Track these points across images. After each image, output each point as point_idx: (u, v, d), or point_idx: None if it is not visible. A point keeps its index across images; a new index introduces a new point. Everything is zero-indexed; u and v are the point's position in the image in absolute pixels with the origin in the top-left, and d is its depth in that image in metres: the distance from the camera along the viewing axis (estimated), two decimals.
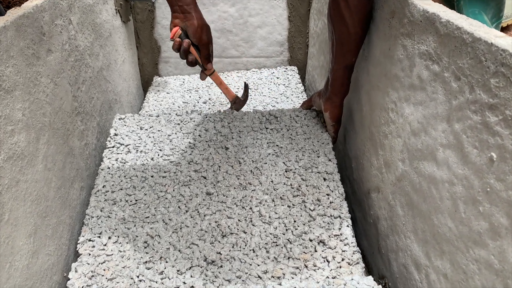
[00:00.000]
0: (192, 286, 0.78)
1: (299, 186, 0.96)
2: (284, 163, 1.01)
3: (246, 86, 1.21)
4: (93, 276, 0.81)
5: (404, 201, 0.75)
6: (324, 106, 1.01)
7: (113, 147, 1.05)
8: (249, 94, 1.22)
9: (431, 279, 0.65)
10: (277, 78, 1.61)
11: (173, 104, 1.48)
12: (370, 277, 0.74)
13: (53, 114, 0.79)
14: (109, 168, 1.00)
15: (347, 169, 1.11)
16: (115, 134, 1.08)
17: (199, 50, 0.99)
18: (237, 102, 1.21)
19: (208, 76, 1.09)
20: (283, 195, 0.94)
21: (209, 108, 1.43)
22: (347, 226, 0.87)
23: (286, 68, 1.68)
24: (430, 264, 0.66)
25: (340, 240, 0.85)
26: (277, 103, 1.44)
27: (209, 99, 1.50)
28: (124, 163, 1.01)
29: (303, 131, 1.10)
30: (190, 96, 1.52)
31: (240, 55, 1.68)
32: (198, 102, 1.48)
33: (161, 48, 1.66)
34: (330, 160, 1.01)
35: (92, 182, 1.00)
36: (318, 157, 1.03)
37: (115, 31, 1.30)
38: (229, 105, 1.37)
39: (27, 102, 0.69)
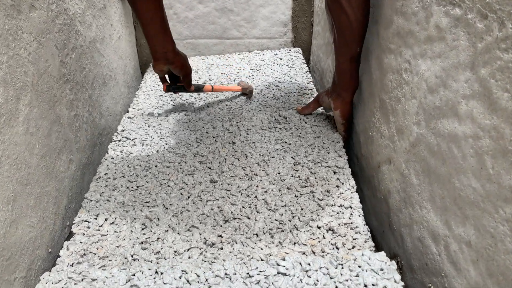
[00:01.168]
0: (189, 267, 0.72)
1: (308, 178, 0.91)
2: (292, 157, 0.98)
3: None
4: (84, 254, 0.75)
5: (419, 168, 0.68)
6: (334, 104, 0.97)
7: (119, 140, 1.06)
8: (253, 91, 1.32)
9: (451, 250, 0.59)
10: (280, 59, 1.55)
11: None
12: (382, 253, 0.68)
13: (37, 76, 0.73)
14: (113, 158, 0.99)
15: (354, 146, 1.04)
16: (123, 130, 1.09)
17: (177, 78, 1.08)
18: (243, 92, 1.29)
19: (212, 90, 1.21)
20: (290, 185, 0.89)
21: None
22: (359, 215, 0.81)
23: (290, 50, 1.61)
24: (450, 233, 0.59)
25: (351, 228, 0.79)
26: (281, 82, 1.38)
27: (209, 79, 1.43)
28: (129, 154, 1.01)
29: (312, 130, 1.08)
30: None
31: (242, 36, 1.61)
32: (197, 82, 1.42)
33: None
34: (340, 156, 0.98)
35: (82, 157, 0.94)
36: (328, 153, 0.99)
37: (110, 5, 1.24)
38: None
39: (5, 56, 0.63)
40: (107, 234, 0.80)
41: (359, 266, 0.65)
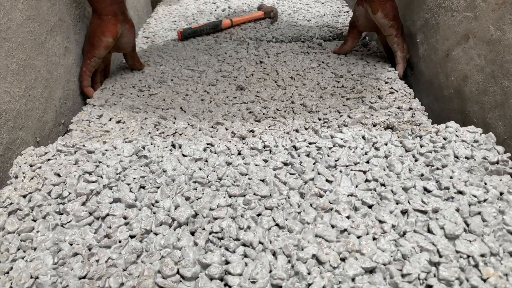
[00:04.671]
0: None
1: (354, 87, 0.75)
2: (332, 72, 0.82)
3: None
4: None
5: None
6: (372, 7, 0.77)
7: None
8: (277, 13, 1.17)
9: None
10: None
11: (186, 13, 1.26)
12: (472, 126, 0.51)
13: None
14: (121, 74, 0.86)
15: (408, 53, 0.87)
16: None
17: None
18: (266, 16, 1.16)
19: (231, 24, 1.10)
20: (333, 92, 0.73)
21: (228, 14, 1.21)
22: (423, 115, 0.64)
23: None
24: None
25: (416, 125, 0.62)
26: (311, 7, 1.21)
27: (228, 7, 1.28)
28: (142, 72, 0.87)
29: (353, 54, 0.91)
30: (206, 6, 1.30)
31: None
32: (215, 10, 1.26)
33: None
34: (389, 71, 0.81)
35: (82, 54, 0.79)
36: (375, 68, 0.83)
37: None
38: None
39: None
40: (111, 130, 0.64)
41: (445, 138, 0.48)
